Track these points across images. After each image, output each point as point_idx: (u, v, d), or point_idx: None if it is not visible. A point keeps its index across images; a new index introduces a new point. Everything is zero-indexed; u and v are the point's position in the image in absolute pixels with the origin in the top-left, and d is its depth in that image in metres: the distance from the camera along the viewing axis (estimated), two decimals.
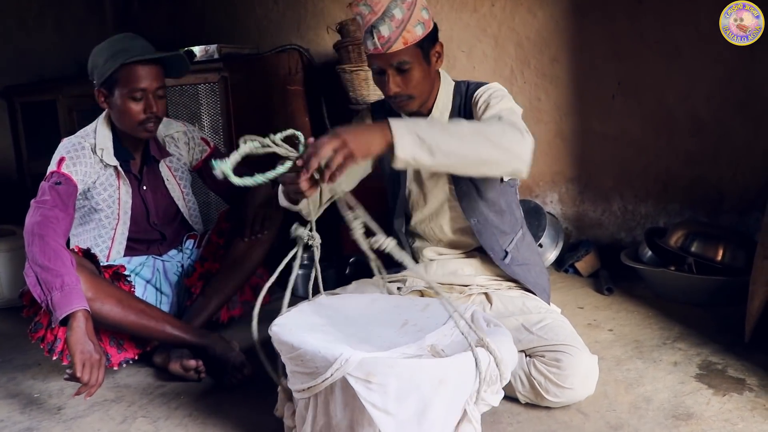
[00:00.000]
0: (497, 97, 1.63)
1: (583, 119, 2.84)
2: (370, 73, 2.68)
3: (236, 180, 1.21)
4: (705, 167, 2.62)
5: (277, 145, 1.29)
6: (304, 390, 1.25)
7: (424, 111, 1.75)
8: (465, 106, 1.74)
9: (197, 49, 2.87)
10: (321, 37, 3.33)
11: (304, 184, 1.29)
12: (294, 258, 1.43)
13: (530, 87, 2.89)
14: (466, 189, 1.77)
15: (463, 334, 1.28)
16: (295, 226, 1.44)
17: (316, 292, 1.58)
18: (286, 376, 1.39)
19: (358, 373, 1.16)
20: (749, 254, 2.12)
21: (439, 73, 1.75)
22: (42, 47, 3.73)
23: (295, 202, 1.54)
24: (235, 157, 1.23)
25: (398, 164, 1.32)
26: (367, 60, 1.66)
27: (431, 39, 1.64)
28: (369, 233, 1.34)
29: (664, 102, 2.65)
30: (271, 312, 1.52)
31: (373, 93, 2.69)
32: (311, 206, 1.43)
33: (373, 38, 1.56)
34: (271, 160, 1.30)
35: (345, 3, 3.25)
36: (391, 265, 1.91)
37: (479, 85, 1.73)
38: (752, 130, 2.51)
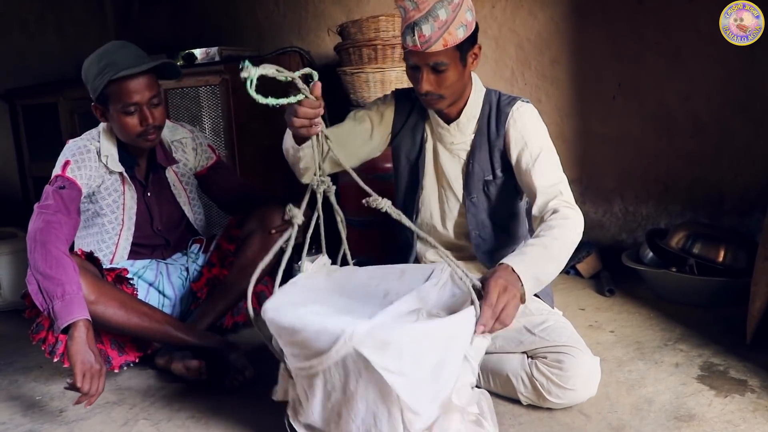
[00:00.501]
0: (536, 141, 1.66)
1: (584, 120, 2.84)
2: (370, 75, 2.70)
3: (253, 92, 1.25)
4: (706, 168, 2.62)
5: (293, 79, 1.33)
6: (306, 368, 1.24)
7: (452, 112, 1.74)
8: (496, 118, 1.73)
9: (198, 52, 2.87)
10: (322, 39, 3.34)
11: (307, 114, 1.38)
12: (288, 240, 1.43)
13: (531, 88, 2.89)
14: (477, 201, 1.77)
15: (463, 280, 1.33)
16: (289, 206, 1.44)
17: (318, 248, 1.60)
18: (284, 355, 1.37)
19: (371, 342, 1.16)
20: (750, 255, 2.12)
21: (471, 76, 1.74)
22: (43, 50, 3.73)
23: (299, 142, 1.58)
24: (259, 70, 1.26)
25: None
26: (404, 54, 1.65)
27: (471, 40, 1.63)
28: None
29: (665, 103, 2.65)
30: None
31: (374, 95, 2.69)
32: (315, 152, 1.45)
33: (414, 35, 1.55)
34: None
35: (345, 5, 3.26)
36: (395, 261, 1.93)
37: (511, 100, 1.73)
38: (753, 131, 2.51)
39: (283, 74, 1.29)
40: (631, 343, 1.95)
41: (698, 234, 2.34)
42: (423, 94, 1.65)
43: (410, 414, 1.19)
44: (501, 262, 1.42)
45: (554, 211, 1.57)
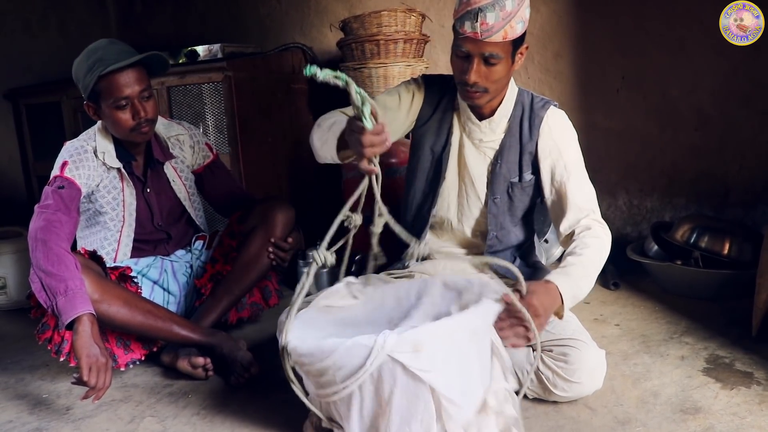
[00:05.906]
0: (570, 152, 1.70)
1: (588, 114, 2.83)
2: (373, 71, 2.69)
3: (320, 74, 1.22)
4: (710, 161, 2.62)
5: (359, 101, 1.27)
6: (340, 391, 1.24)
7: (488, 110, 1.70)
8: (529, 121, 1.70)
9: (201, 49, 2.87)
10: (324, 35, 3.33)
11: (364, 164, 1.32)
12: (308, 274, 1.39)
13: (534, 82, 2.89)
14: (499, 203, 1.75)
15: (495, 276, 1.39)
16: (318, 252, 1.40)
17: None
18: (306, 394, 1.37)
19: (404, 348, 1.19)
20: (756, 248, 2.12)
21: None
22: (46, 49, 3.74)
23: (342, 157, 1.55)
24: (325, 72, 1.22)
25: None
26: (456, 39, 1.58)
27: (522, 39, 1.60)
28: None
29: (669, 96, 2.64)
30: (279, 312, 1.52)
31: (376, 90, 2.69)
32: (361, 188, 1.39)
33: (476, 21, 1.50)
34: None
35: (348, 1, 3.25)
36: (401, 254, 1.92)
37: (545, 103, 1.72)
38: (758, 124, 2.50)
39: (343, 80, 1.24)
40: (636, 336, 1.95)
41: (703, 227, 2.33)
42: (468, 85, 1.59)
43: (448, 404, 1.22)
44: (547, 279, 1.50)
45: (587, 228, 1.64)
